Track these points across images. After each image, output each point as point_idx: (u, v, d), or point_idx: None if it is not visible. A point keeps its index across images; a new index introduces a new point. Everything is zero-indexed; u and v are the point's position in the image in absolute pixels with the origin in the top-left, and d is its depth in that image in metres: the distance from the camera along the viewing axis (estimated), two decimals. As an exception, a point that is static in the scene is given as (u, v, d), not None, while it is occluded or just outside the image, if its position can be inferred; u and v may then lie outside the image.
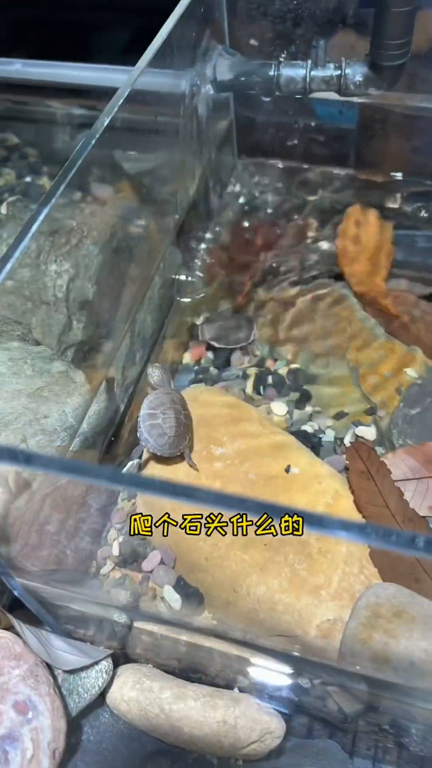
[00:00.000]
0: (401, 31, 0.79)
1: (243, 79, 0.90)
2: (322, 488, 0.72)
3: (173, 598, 0.68)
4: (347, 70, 0.86)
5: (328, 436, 0.82)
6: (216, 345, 0.91)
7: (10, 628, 0.65)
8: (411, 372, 0.86)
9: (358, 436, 0.81)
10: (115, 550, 0.71)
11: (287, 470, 0.75)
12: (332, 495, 0.72)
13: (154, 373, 0.82)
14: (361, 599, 0.61)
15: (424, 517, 0.71)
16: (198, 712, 0.62)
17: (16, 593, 0.60)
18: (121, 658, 0.68)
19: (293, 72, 0.88)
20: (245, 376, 0.89)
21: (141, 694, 0.64)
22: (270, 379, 0.88)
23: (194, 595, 0.68)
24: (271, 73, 0.88)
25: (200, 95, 0.90)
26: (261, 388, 0.88)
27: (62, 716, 0.61)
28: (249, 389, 0.88)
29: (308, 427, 0.83)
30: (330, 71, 0.86)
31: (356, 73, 0.86)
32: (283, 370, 0.90)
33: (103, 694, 0.66)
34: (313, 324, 0.95)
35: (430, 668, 0.55)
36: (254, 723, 0.62)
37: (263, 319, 0.96)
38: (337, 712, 0.63)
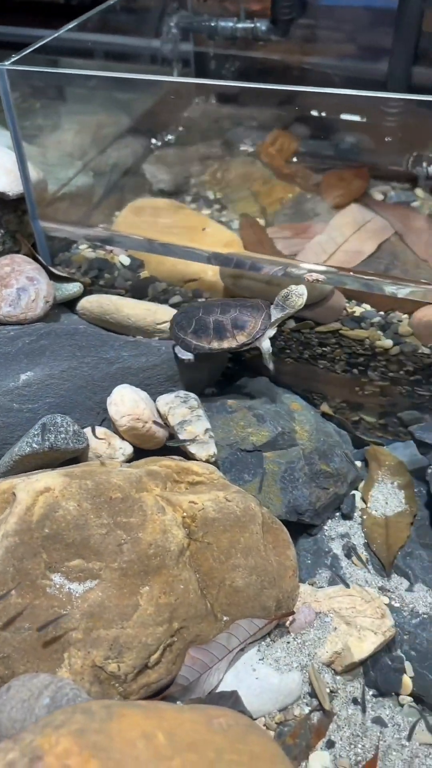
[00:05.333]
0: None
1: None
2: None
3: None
4: (257, 24, 1.42)
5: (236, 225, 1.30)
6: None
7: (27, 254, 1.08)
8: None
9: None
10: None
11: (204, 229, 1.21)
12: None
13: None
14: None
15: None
16: (133, 302, 1.05)
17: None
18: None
19: (226, 24, 1.44)
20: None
21: (101, 297, 1.06)
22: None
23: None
24: (213, 24, 1.44)
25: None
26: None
27: (53, 289, 1.03)
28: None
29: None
30: (247, 24, 1.43)
31: (263, 25, 1.42)
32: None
33: (72, 307, 1.08)
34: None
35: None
36: (166, 314, 1.04)
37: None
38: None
